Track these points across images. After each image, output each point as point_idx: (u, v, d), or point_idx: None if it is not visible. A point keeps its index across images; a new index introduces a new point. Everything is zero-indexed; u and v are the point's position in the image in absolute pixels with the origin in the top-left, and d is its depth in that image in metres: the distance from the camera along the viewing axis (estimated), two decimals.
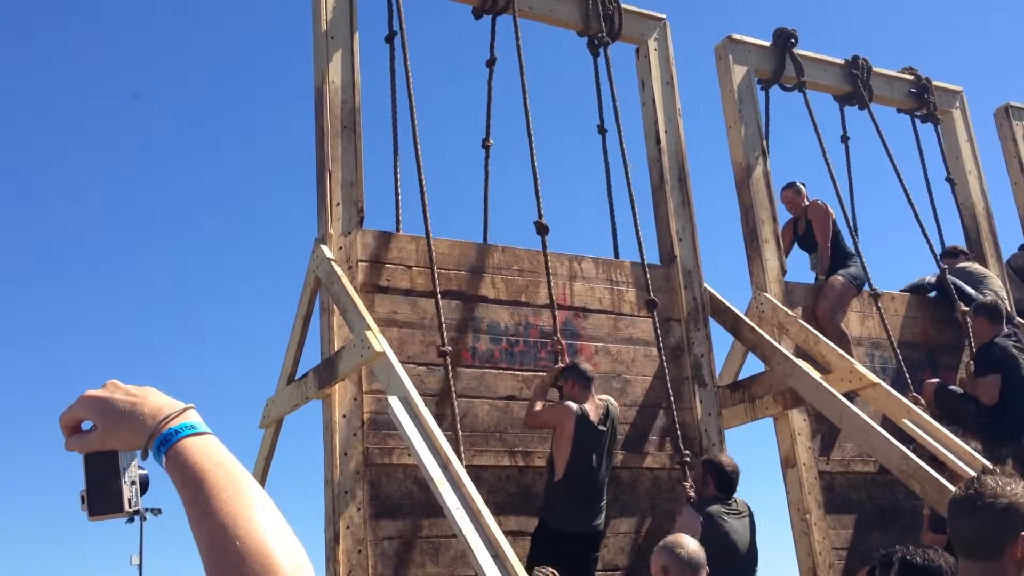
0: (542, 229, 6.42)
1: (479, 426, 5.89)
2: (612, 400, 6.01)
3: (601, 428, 5.72)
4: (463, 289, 6.17)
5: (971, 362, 7.64)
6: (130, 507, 1.25)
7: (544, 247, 6.38)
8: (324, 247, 5.77)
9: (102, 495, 1.25)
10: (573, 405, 5.66)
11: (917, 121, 8.99)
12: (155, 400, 1.25)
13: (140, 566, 38.36)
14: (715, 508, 5.61)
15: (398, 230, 6.26)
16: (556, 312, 6.18)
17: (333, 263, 5.66)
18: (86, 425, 1.27)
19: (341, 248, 5.81)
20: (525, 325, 6.30)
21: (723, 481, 5.78)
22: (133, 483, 1.26)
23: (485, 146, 7.45)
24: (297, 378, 5.91)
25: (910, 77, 8.98)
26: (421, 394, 5.17)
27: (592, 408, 5.73)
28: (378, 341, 5.14)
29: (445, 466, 4.77)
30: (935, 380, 7.32)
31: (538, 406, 5.82)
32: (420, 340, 5.87)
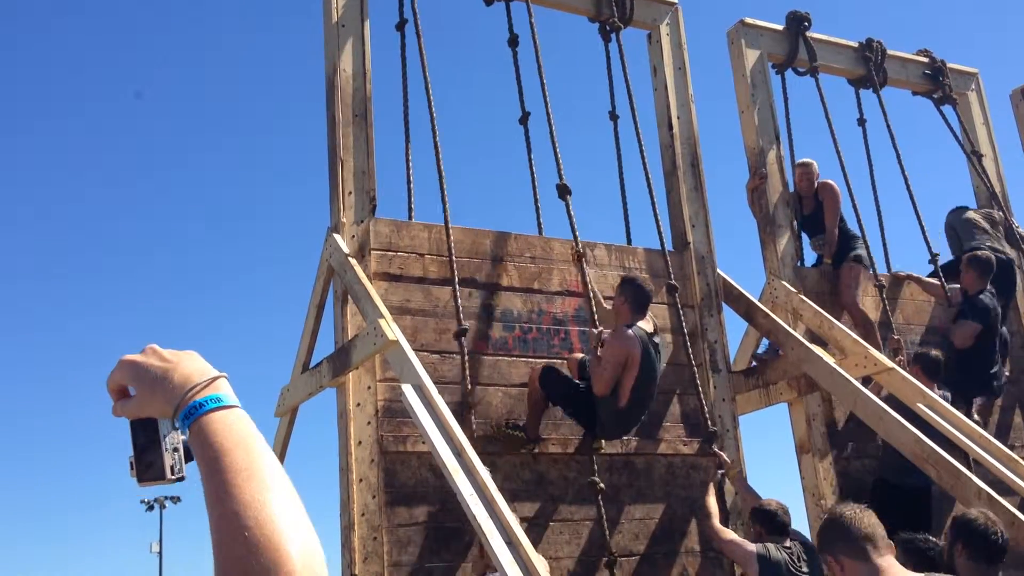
0: (564, 191, 6.26)
1: (492, 413, 5.90)
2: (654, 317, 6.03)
3: (656, 341, 5.78)
4: (475, 277, 6.17)
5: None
6: (172, 475, 1.21)
7: (568, 208, 6.24)
8: (337, 236, 5.78)
9: (146, 462, 1.22)
10: (630, 332, 5.63)
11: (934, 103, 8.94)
12: (187, 367, 1.20)
13: (160, 553, 38.84)
14: (770, 546, 5.28)
15: (410, 218, 6.26)
16: (570, 297, 6.12)
17: (346, 252, 5.68)
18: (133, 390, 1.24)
19: (354, 237, 5.82)
20: (538, 312, 6.30)
21: (771, 524, 5.43)
22: (176, 450, 1.22)
23: (523, 122, 7.24)
24: (311, 367, 5.93)
25: (925, 59, 8.90)
26: (435, 382, 5.18)
27: (647, 325, 5.77)
28: (391, 329, 5.15)
29: (459, 453, 4.78)
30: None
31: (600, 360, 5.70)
32: (433, 328, 5.88)
